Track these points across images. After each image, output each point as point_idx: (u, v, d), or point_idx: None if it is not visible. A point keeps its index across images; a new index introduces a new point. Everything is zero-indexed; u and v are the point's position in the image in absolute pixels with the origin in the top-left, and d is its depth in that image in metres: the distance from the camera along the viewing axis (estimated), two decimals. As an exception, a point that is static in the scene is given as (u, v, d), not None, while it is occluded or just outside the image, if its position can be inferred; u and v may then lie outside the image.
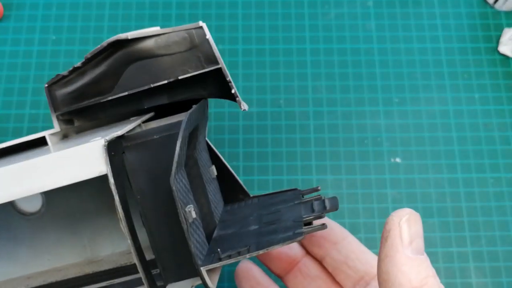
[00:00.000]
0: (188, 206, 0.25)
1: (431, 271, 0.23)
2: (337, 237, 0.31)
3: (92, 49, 0.29)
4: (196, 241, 0.26)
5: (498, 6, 0.46)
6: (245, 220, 0.30)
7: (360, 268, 0.30)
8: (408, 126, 0.43)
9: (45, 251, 0.34)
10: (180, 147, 0.25)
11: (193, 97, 0.31)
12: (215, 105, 0.43)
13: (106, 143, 0.25)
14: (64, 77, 0.31)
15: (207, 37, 0.29)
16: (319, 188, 0.32)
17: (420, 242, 0.23)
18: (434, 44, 0.45)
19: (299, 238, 0.24)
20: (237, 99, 0.30)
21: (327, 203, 0.28)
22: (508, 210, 0.41)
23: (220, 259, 0.25)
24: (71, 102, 0.31)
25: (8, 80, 0.44)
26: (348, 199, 0.41)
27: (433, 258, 0.40)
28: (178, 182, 0.25)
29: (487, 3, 0.47)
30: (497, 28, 0.46)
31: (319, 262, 0.32)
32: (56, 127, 0.31)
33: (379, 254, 0.23)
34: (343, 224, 0.40)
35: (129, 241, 0.25)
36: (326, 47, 0.45)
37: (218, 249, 0.25)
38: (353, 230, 0.40)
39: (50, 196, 0.34)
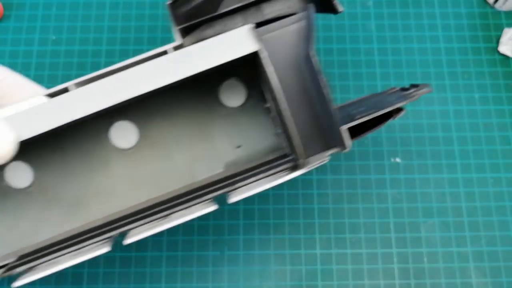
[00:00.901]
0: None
1: None
2: None
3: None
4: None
5: (498, 6, 0.46)
6: (353, 111, 0.32)
7: None
8: (408, 126, 0.43)
9: (143, 183, 0.35)
10: (313, 24, 0.27)
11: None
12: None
13: (254, 25, 0.28)
14: None
15: None
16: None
17: None
18: (434, 44, 0.45)
19: (414, 98, 0.28)
20: (333, 2, 0.31)
21: (419, 86, 0.30)
22: (508, 210, 0.41)
23: (353, 119, 0.27)
24: (186, 19, 0.32)
25: (8, 80, 0.44)
26: (348, 199, 0.41)
27: (433, 258, 0.40)
28: (314, 56, 0.27)
29: (487, 3, 0.47)
30: (497, 28, 0.46)
31: None
32: (178, 40, 0.32)
33: None
34: (343, 224, 0.40)
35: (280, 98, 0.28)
36: (326, 47, 0.45)
37: (352, 111, 0.28)
38: (353, 230, 0.40)
39: (145, 129, 0.35)
